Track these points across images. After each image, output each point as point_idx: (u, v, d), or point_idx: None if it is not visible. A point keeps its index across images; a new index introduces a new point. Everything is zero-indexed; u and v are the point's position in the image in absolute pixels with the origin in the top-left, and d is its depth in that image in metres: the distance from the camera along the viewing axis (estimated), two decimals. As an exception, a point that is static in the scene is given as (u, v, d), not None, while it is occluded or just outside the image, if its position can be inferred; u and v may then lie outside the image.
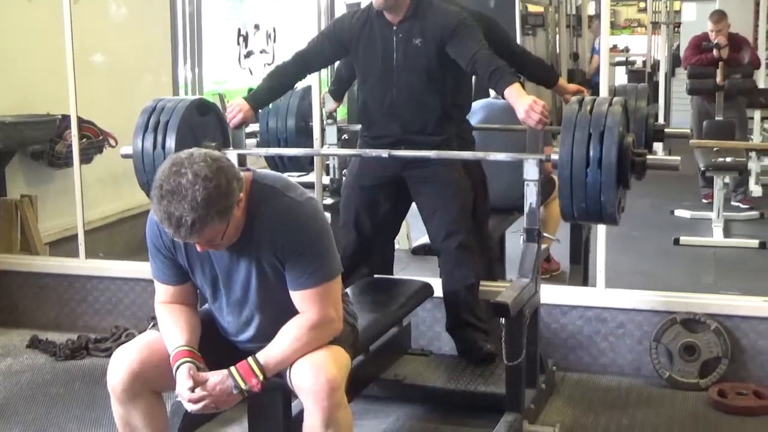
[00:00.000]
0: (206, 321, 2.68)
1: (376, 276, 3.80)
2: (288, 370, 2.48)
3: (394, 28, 3.59)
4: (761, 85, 8.50)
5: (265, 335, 2.55)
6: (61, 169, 5.12)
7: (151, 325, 3.95)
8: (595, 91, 3.93)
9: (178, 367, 2.47)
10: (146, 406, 2.57)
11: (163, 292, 2.70)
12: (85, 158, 5.00)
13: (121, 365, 2.54)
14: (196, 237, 2.35)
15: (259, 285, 2.56)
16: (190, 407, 2.46)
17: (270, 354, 2.47)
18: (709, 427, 3.47)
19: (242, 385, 2.44)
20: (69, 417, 3.61)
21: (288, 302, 2.54)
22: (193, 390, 2.43)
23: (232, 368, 2.45)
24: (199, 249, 2.46)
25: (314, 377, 2.41)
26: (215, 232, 2.37)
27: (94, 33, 5.56)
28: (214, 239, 2.40)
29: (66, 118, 4.82)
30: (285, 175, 4.06)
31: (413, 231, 5.60)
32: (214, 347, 2.61)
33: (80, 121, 4.79)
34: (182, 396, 2.47)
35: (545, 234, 3.57)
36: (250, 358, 2.47)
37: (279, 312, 2.55)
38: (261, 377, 2.45)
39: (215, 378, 2.45)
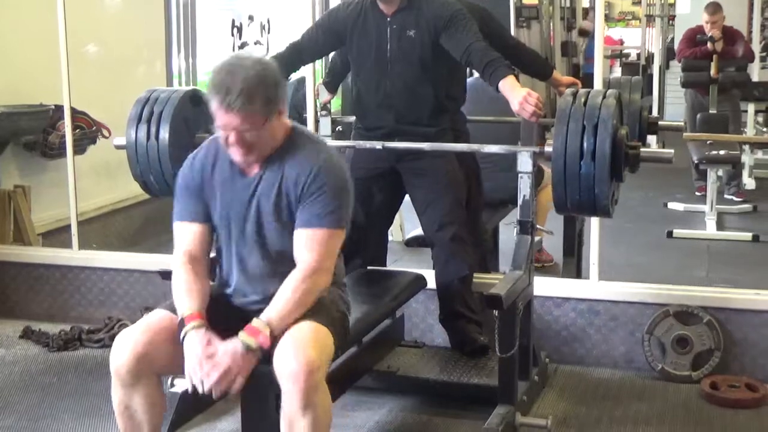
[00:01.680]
0: (215, 301, 2.70)
1: (369, 267, 3.80)
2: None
3: (389, 19, 3.59)
4: (755, 78, 8.51)
5: (267, 294, 2.62)
6: (54, 159, 5.10)
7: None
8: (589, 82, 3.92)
9: (187, 333, 2.51)
10: (148, 389, 2.58)
11: (182, 239, 2.74)
12: (79, 149, 4.98)
13: (125, 347, 2.54)
14: (236, 111, 2.49)
15: (271, 223, 2.66)
16: (207, 384, 2.45)
17: (271, 310, 2.53)
18: (701, 419, 3.48)
19: (251, 344, 2.47)
20: (62, 407, 3.61)
21: (290, 252, 2.62)
22: (208, 356, 2.45)
23: (239, 333, 2.49)
24: (232, 140, 2.55)
25: (293, 359, 2.43)
26: (254, 120, 2.52)
27: (88, 23, 5.55)
28: (249, 129, 2.53)
29: (59, 109, 4.81)
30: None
31: (407, 222, 5.60)
32: (221, 327, 2.60)
33: (74, 111, 4.78)
34: (194, 372, 2.46)
35: (539, 227, 3.57)
36: (254, 319, 2.52)
37: (281, 262, 2.65)
38: (267, 332, 2.48)
39: (224, 346, 2.47)
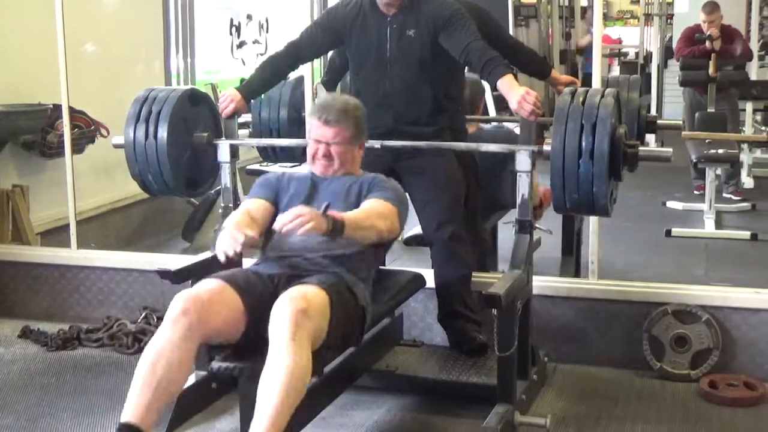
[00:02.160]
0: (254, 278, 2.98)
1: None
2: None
3: (388, 18, 3.59)
4: (753, 76, 8.52)
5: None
6: (52, 159, 5.10)
7: (142, 317, 3.97)
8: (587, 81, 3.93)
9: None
10: (186, 351, 2.71)
11: (247, 204, 3.20)
12: (77, 148, 4.99)
13: (190, 297, 2.75)
14: (331, 125, 3.12)
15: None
16: (284, 219, 2.76)
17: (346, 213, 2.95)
18: (699, 417, 3.48)
19: (328, 213, 2.82)
20: (60, 407, 3.60)
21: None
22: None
23: None
24: (321, 153, 3.15)
25: (289, 300, 2.68)
26: (343, 136, 3.14)
27: (86, 22, 5.55)
28: (339, 143, 3.14)
29: (57, 108, 4.80)
30: (277, 165, 4.09)
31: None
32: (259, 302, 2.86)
33: (72, 110, 4.77)
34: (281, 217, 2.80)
35: (538, 226, 3.58)
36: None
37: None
38: (339, 216, 2.85)
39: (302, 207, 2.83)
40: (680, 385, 3.75)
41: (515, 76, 3.43)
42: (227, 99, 3.63)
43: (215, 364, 2.81)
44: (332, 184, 3.19)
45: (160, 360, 2.68)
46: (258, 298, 2.88)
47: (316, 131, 3.14)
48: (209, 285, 2.87)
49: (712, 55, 7.31)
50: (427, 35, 3.54)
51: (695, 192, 7.39)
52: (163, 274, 3.37)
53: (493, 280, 3.26)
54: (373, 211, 3.06)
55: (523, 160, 3.27)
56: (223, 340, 2.84)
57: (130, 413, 2.66)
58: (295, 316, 2.64)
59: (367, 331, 3.08)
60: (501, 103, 4.76)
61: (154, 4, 6.54)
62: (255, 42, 8.28)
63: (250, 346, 2.82)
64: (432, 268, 3.74)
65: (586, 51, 11.05)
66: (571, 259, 4.84)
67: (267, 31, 8.41)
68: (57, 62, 4.55)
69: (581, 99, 3.08)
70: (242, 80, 3.88)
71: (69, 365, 4.05)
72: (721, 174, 7.23)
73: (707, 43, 7.36)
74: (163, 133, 3.49)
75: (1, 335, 4.41)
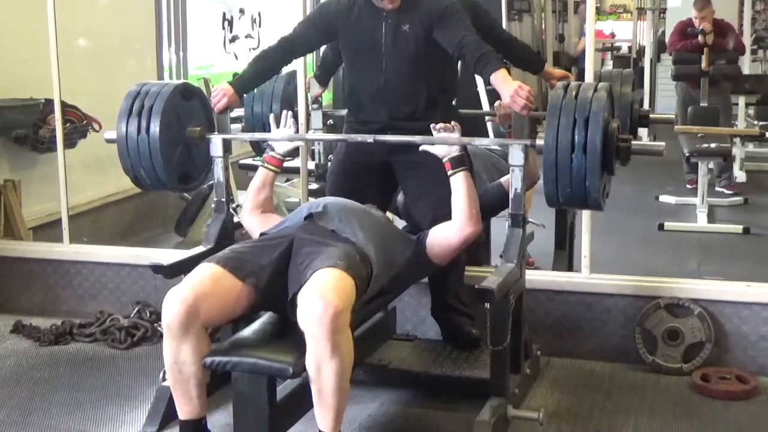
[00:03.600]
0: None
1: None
2: (296, 293, 2.78)
3: (384, 14, 3.58)
4: (746, 71, 8.53)
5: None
6: (44, 153, 5.08)
7: (135, 311, 3.97)
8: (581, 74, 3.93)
9: None
10: (196, 341, 2.82)
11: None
12: (69, 143, 4.97)
13: (175, 301, 2.80)
14: None
15: None
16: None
17: None
18: (691, 411, 3.49)
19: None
20: (53, 402, 3.60)
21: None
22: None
23: None
24: None
25: (319, 302, 2.67)
26: None
27: (78, 16, 5.52)
28: None
29: (49, 102, 4.79)
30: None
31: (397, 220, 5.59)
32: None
33: (64, 105, 4.76)
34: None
35: (531, 220, 3.57)
36: None
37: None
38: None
39: None
40: (672, 379, 3.76)
41: (508, 71, 3.43)
42: (220, 93, 3.62)
43: (208, 359, 2.81)
44: None
45: (176, 364, 2.87)
46: (258, 269, 2.96)
47: None
48: (199, 275, 2.91)
49: (705, 49, 7.32)
50: (422, 30, 3.53)
51: (688, 186, 7.40)
52: (156, 268, 3.37)
53: (486, 274, 3.27)
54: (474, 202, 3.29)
55: (516, 155, 3.27)
56: (226, 320, 2.97)
57: (181, 413, 2.95)
58: (332, 322, 2.66)
59: (371, 278, 3.08)
60: (494, 98, 4.75)
61: (146, -1, 6.52)
62: (248, 36, 8.27)
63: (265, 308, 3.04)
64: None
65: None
66: (564, 253, 4.84)
67: (260, 26, 8.39)
68: (49, 56, 4.54)
69: (574, 93, 3.08)
70: (235, 75, 3.87)
71: (62, 360, 4.05)
72: (714, 168, 7.25)
73: (700, 38, 7.37)
74: (155, 127, 3.47)
75: (-7, 330, 4.41)
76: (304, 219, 3.20)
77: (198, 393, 2.92)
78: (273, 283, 2.95)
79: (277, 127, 3.54)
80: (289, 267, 2.98)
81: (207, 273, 2.91)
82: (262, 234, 3.28)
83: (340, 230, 3.13)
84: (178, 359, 2.85)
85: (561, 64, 10.74)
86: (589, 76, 3.96)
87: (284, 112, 3.57)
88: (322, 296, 2.69)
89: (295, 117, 3.83)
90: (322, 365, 2.70)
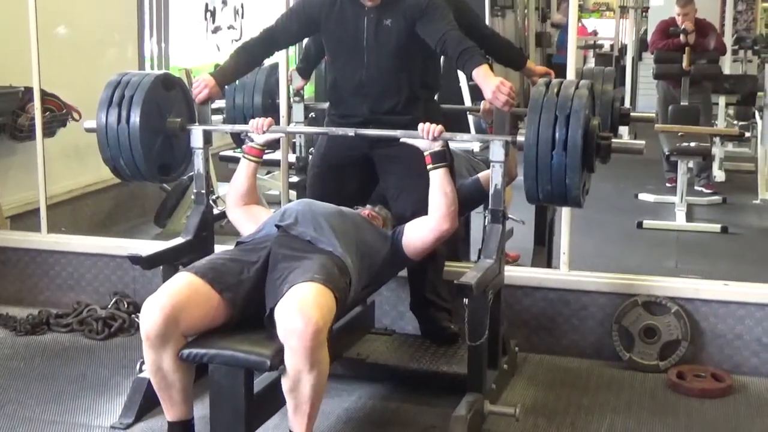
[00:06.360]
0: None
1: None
2: (273, 308, 2.75)
3: (366, 8, 3.57)
4: (726, 71, 8.57)
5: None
6: (23, 142, 5.04)
7: (113, 302, 3.95)
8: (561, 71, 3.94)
9: None
10: (176, 350, 2.80)
11: None
12: (48, 132, 4.93)
13: (153, 311, 2.77)
14: None
15: None
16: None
17: None
18: (667, 408, 3.51)
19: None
20: (28, 392, 3.58)
21: None
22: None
23: None
24: None
25: (299, 318, 2.64)
26: None
27: (59, 4, 5.48)
28: None
29: (29, 91, 4.74)
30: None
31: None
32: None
33: (43, 93, 4.72)
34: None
35: (511, 216, 3.58)
36: None
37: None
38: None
39: None
40: (649, 376, 3.78)
41: (491, 67, 3.43)
42: (201, 84, 3.60)
43: (185, 351, 2.80)
44: None
45: (159, 371, 2.85)
46: (236, 283, 2.93)
47: None
48: (176, 284, 2.88)
49: (686, 48, 7.35)
50: (405, 24, 3.53)
51: (667, 184, 7.44)
52: (134, 259, 3.36)
53: (465, 270, 3.27)
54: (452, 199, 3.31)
55: (496, 151, 3.27)
56: (205, 329, 2.87)
57: (168, 415, 2.96)
58: (312, 339, 2.65)
59: (350, 288, 3.07)
60: (476, 93, 4.75)
61: (128, -12, 6.47)
62: (230, 27, 8.22)
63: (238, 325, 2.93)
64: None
65: (562, 28, 11.01)
66: (543, 250, 4.86)
67: (242, 17, 8.35)
68: (29, 44, 4.50)
69: (555, 90, 3.08)
70: (216, 66, 3.85)
71: (38, 350, 4.03)
72: (693, 167, 7.29)
73: (681, 37, 7.41)
74: (135, 117, 3.45)
75: (-31, 319, 4.37)
76: (277, 230, 3.15)
77: (183, 398, 2.92)
78: (249, 300, 2.92)
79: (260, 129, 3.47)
80: (266, 282, 2.95)
81: (184, 282, 2.88)
82: (238, 243, 3.23)
83: (315, 240, 3.09)
84: (161, 367, 2.84)
85: (543, 44, 10.75)
86: (570, 74, 3.97)
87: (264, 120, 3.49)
88: (301, 312, 2.66)
89: (276, 110, 3.82)
90: (301, 377, 2.71)
